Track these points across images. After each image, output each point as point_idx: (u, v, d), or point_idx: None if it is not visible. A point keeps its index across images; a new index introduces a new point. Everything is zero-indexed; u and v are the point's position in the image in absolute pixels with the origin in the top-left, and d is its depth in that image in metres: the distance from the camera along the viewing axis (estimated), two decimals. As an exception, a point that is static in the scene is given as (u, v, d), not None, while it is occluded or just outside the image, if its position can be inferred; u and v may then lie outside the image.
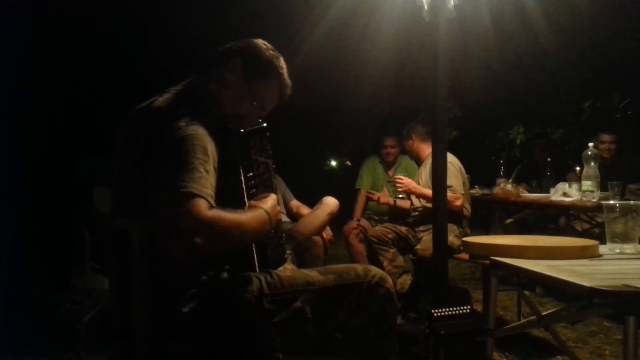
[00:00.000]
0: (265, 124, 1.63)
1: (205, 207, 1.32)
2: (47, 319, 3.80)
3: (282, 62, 1.73)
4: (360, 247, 4.10)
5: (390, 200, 4.18)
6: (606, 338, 3.38)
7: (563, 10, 3.26)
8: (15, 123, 4.28)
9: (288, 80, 1.73)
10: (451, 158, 3.77)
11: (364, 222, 4.39)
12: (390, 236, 3.76)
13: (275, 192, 1.62)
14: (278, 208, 1.56)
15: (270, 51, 1.71)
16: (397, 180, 3.77)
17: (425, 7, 2.40)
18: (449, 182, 3.66)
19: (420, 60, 3.45)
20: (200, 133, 1.43)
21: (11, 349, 3.06)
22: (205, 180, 1.37)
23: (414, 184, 3.76)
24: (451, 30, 2.38)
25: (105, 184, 3.78)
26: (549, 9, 3.22)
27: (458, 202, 3.64)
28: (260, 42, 1.72)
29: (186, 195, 1.32)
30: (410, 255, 3.67)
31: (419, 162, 4.05)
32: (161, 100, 1.59)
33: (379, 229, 3.86)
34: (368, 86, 4.46)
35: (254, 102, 1.66)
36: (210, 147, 1.43)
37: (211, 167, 1.41)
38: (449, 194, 3.62)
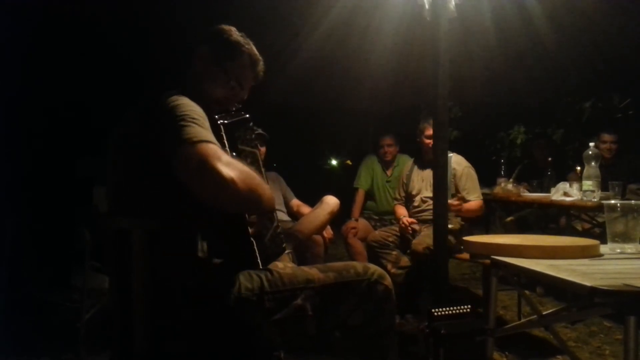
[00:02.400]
0: (247, 115, 1.65)
1: (220, 151, 1.34)
2: (47, 318, 3.79)
3: (248, 41, 1.77)
4: (360, 246, 4.10)
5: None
6: (606, 338, 3.38)
7: (564, 10, 3.25)
8: (15, 123, 4.28)
9: (258, 56, 1.77)
10: (466, 162, 3.79)
11: (362, 221, 4.39)
12: (390, 239, 3.76)
13: (264, 180, 1.62)
14: None
15: (233, 31, 1.75)
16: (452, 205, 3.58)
17: (427, 6, 2.40)
18: (475, 191, 3.72)
19: (421, 60, 3.44)
20: (193, 104, 1.46)
21: (11, 348, 3.06)
22: (212, 135, 1.39)
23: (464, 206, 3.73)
24: (452, 30, 2.38)
25: (105, 184, 3.77)
26: (550, 8, 3.21)
27: (482, 211, 3.75)
28: (222, 26, 1.76)
29: (199, 141, 1.33)
30: (407, 251, 3.67)
31: (425, 157, 3.94)
32: (147, 96, 1.60)
33: (379, 233, 3.85)
34: (368, 86, 4.44)
35: (230, 82, 1.70)
36: (205, 117, 1.45)
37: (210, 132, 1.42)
38: (479, 201, 3.70)
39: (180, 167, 1.33)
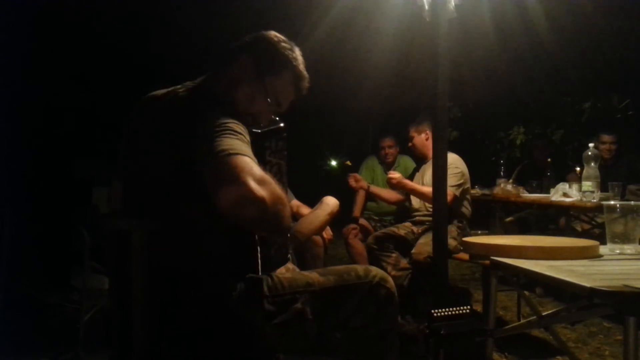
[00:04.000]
0: (282, 124, 1.57)
1: (256, 166, 1.29)
2: (46, 319, 3.79)
3: (297, 54, 1.68)
4: (360, 248, 4.10)
5: (364, 184, 4.20)
6: (606, 339, 3.38)
7: (564, 11, 3.25)
8: (13, 123, 4.28)
9: (304, 72, 1.68)
10: (453, 160, 3.77)
11: (363, 222, 4.39)
12: (390, 241, 3.75)
13: (286, 192, 1.60)
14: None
15: (282, 43, 1.66)
16: (389, 176, 3.80)
17: (426, 7, 2.40)
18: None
19: (420, 60, 3.44)
20: (235, 122, 1.40)
21: (10, 349, 3.06)
22: (250, 150, 1.34)
23: (403, 179, 3.79)
24: (452, 31, 2.37)
25: (103, 185, 3.77)
26: (550, 9, 3.21)
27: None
28: (271, 34, 1.67)
29: (236, 154, 1.28)
30: (407, 259, 3.67)
31: (423, 159, 4.00)
32: (181, 92, 1.56)
33: (378, 235, 3.85)
34: (368, 86, 4.44)
35: (268, 99, 1.61)
36: (246, 131, 1.40)
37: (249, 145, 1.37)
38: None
39: (211, 177, 1.28)
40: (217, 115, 1.40)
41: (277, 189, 1.34)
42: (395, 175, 3.78)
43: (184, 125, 1.43)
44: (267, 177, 1.31)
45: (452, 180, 3.64)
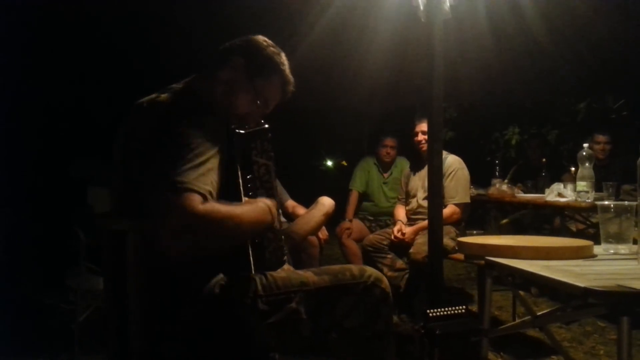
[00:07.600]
0: (267, 125, 1.61)
1: (198, 202, 1.30)
2: (42, 319, 3.78)
3: (284, 58, 1.72)
4: (354, 248, 4.11)
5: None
6: (601, 338, 3.40)
7: (559, 11, 3.26)
8: (13, 123, 4.27)
9: (290, 77, 1.73)
10: (459, 165, 3.76)
11: (357, 222, 4.40)
12: (385, 242, 3.76)
13: (275, 193, 1.61)
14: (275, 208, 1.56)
15: (271, 48, 1.70)
16: (396, 236, 3.71)
17: (421, 7, 2.41)
18: (454, 193, 3.66)
19: (416, 60, 3.45)
20: (205, 130, 1.42)
21: (6, 349, 3.05)
22: (205, 177, 1.35)
23: (412, 230, 3.70)
24: (447, 31, 2.38)
25: (99, 185, 3.77)
26: (545, 9, 3.22)
27: (456, 216, 3.68)
28: (260, 38, 1.70)
29: (181, 190, 1.30)
30: (405, 259, 3.67)
31: (423, 158, 3.97)
32: (164, 97, 1.57)
33: (373, 237, 3.85)
34: (364, 86, 4.44)
35: (257, 101, 1.64)
36: (215, 144, 1.42)
37: (214, 164, 1.39)
38: (453, 207, 3.65)
39: (160, 205, 1.32)
40: (189, 126, 1.41)
41: (220, 212, 1.34)
42: (403, 232, 3.70)
43: (170, 127, 1.43)
44: (205, 207, 1.31)
45: (458, 192, 3.68)
